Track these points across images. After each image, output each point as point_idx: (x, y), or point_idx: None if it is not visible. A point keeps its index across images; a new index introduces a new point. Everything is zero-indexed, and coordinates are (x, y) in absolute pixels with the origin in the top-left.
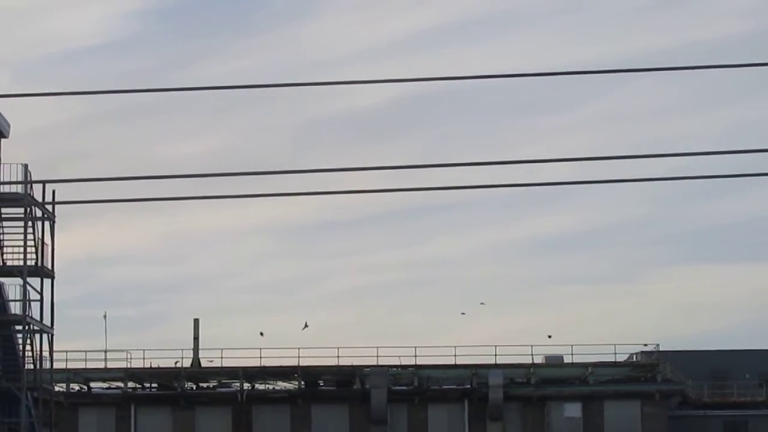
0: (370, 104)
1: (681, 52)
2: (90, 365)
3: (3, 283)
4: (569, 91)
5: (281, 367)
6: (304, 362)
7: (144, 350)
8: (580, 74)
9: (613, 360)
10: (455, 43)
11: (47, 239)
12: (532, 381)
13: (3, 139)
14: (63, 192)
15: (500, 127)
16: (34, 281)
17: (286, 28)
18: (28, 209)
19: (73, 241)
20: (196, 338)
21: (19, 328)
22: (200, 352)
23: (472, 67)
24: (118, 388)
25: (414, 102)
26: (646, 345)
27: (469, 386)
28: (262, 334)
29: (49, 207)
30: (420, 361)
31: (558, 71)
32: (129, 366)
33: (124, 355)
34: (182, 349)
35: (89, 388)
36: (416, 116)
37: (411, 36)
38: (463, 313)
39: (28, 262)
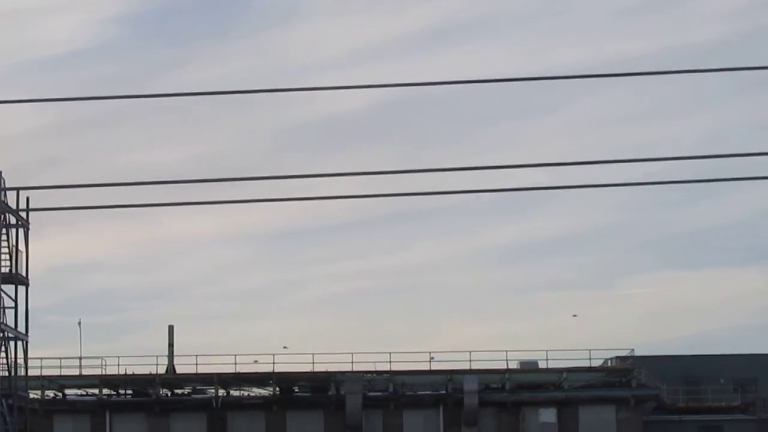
0: (350, 109)
1: (659, 57)
2: (65, 372)
3: None
4: (547, 96)
5: (256, 373)
6: (279, 368)
7: (119, 357)
8: (557, 79)
9: (588, 365)
10: (436, 48)
11: (21, 246)
12: (507, 386)
13: None
14: (37, 199)
15: (477, 133)
16: (9, 288)
17: (266, 34)
18: (2, 216)
19: (48, 248)
20: (171, 345)
21: None
22: (175, 358)
23: (452, 71)
24: (93, 395)
25: (393, 107)
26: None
27: (444, 392)
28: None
29: (23, 214)
30: (395, 367)
31: (536, 76)
32: (104, 373)
33: (98, 362)
34: (157, 356)
35: (64, 395)
36: (395, 121)
37: (391, 41)
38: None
39: (2, 269)
